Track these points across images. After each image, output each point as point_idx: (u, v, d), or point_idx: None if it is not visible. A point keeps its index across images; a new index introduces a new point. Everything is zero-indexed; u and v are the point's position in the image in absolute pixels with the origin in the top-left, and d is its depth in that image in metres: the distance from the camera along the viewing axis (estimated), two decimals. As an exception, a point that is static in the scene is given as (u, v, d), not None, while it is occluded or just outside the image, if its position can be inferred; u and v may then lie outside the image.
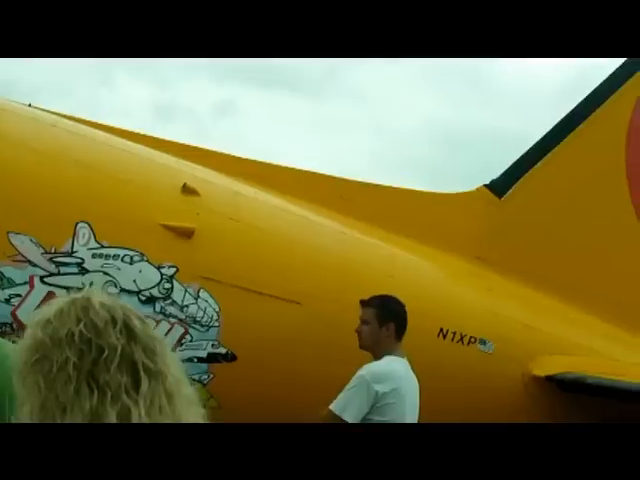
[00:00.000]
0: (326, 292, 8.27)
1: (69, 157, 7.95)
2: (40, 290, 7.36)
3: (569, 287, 9.57)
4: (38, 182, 7.63)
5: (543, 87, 26.37)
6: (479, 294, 9.19)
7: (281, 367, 7.99)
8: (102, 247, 7.53)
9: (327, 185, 9.32)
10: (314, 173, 9.46)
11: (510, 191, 9.73)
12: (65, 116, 8.67)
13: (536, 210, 9.72)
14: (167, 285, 7.64)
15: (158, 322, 7.50)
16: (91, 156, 8.08)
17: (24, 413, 2.16)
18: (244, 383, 7.76)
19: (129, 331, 2.19)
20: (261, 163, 9.29)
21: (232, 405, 7.33)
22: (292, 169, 9.41)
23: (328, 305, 8.17)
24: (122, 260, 7.56)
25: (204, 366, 7.71)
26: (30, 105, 8.68)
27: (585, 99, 10.06)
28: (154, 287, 7.60)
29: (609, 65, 10.15)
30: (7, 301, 7.25)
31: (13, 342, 6.15)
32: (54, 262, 7.41)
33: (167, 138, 9.16)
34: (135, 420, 2.11)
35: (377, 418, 6.30)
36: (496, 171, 10.00)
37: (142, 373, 2.15)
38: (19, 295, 7.15)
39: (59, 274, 7.41)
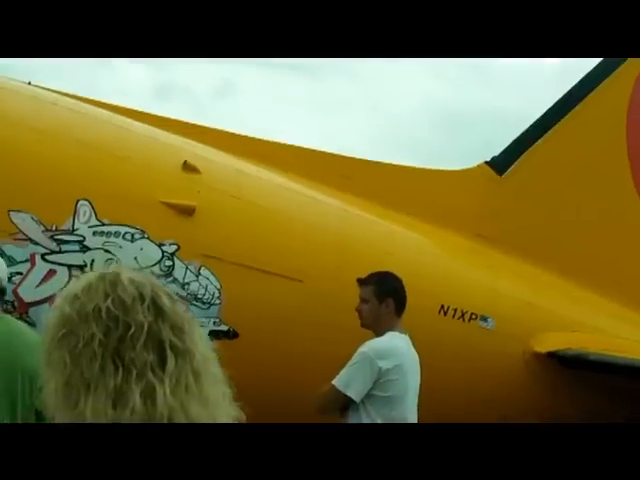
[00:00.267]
0: (326, 270, 8.27)
1: (70, 135, 7.94)
2: (41, 268, 7.36)
3: (570, 265, 9.56)
4: (38, 160, 7.62)
5: (543, 67, 26.31)
6: (480, 271, 9.18)
7: (282, 344, 8.00)
8: (103, 225, 7.53)
9: (327, 162, 9.30)
10: (314, 150, 9.44)
11: (511, 168, 9.72)
12: (66, 94, 8.65)
13: (537, 187, 9.70)
14: (168, 263, 7.64)
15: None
16: (92, 134, 8.06)
17: (49, 390, 2.13)
18: (246, 360, 7.76)
19: (157, 308, 2.15)
20: (261, 141, 9.27)
21: (234, 382, 7.33)
22: (292, 146, 9.39)
23: (328, 282, 8.17)
24: (123, 238, 7.56)
25: (206, 343, 7.70)
26: (30, 83, 8.66)
27: (586, 76, 10.04)
28: (155, 265, 7.59)
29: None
30: (8, 279, 7.22)
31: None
32: (55, 240, 7.41)
33: (167, 116, 9.14)
34: (160, 399, 2.07)
35: (379, 394, 6.31)
36: (495, 152, 9.97)
37: (169, 351, 2.11)
38: (20, 273, 7.16)
39: (60, 252, 7.41)
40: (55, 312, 2.17)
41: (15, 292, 7.20)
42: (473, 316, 8.70)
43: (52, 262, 7.39)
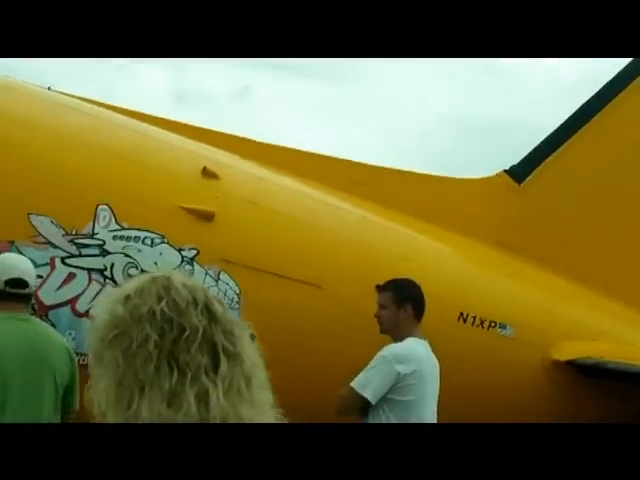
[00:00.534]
0: (345, 276, 8.26)
1: (90, 140, 7.97)
2: (61, 271, 7.38)
3: (589, 273, 9.53)
4: (59, 165, 7.65)
5: (560, 75, 26.29)
6: (499, 279, 9.17)
7: (301, 350, 7.98)
8: (123, 229, 7.54)
9: (345, 169, 9.31)
10: (331, 157, 9.46)
11: (530, 177, 9.70)
12: (85, 99, 8.69)
13: (556, 196, 9.68)
14: (188, 267, 7.64)
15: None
16: (112, 139, 8.09)
17: (99, 389, 2.13)
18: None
19: (210, 313, 2.16)
20: (279, 147, 9.29)
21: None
22: (310, 153, 9.41)
23: (347, 288, 8.16)
24: (143, 242, 7.57)
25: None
26: (50, 88, 8.70)
27: (604, 86, 10.02)
28: (175, 269, 7.58)
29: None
30: (28, 282, 7.24)
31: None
32: (75, 243, 7.42)
33: (186, 122, 9.16)
34: (213, 401, 2.08)
35: (398, 398, 6.32)
36: (510, 161, 9.97)
37: (222, 355, 2.12)
38: (40, 276, 7.14)
39: (80, 255, 7.42)
40: (106, 313, 2.17)
41: (35, 295, 7.20)
42: (492, 324, 8.67)
43: (72, 266, 7.40)
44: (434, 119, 26.57)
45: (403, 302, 6.61)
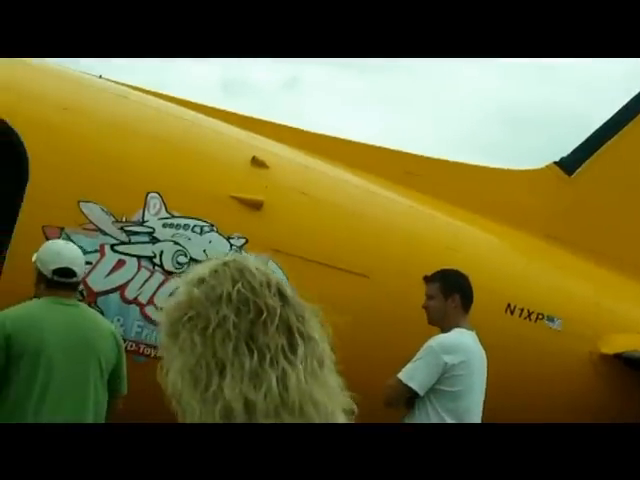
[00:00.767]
0: (392, 266, 8.25)
1: (140, 128, 8.02)
2: (111, 258, 7.43)
3: (639, 266, 9.45)
4: (109, 153, 7.69)
5: (609, 67, 26.04)
6: (548, 271, 9.11)
7: (349, 340, 7.98)
8: (173, 217, 7.58)
9: (393, 159, 9.28)
10: (380, 147, 9.43)
11: (580, 168, 9.62)
12: (135, 88, 8.74)
13: (607, 188, 9.59)
14: (236, 256, 7.66)
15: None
16: (161, 128, 8.14)
17: (174, 370, 2.13)
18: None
19: (282, 296, 2.17)
20: (327, 137, 9.29)
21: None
22: (358, 143, 9.39)
23: (395, 278, 8.16)
24: (192, 230, 7.61)
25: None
26: (101, 77, 8.76)
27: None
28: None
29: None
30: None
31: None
32: (125, 231, 7.47)
33: (235, 111, 9.19)
34: (292, 383, 2.07)
35: (445, 388, 6.32)
36: (558, 152, 9.89)
37: (297, 337, 2.13)
38: (89, 263, 7.20)
39: (130, 243, 7.48)
40: (179, 295, 2.17)
41: (84, 282, 7.26)
42: (540, 316, 8.62)
43: (121, 253, 7.45)
44: (484, 110, 26.46)
45: (451, 293, 6.60)
